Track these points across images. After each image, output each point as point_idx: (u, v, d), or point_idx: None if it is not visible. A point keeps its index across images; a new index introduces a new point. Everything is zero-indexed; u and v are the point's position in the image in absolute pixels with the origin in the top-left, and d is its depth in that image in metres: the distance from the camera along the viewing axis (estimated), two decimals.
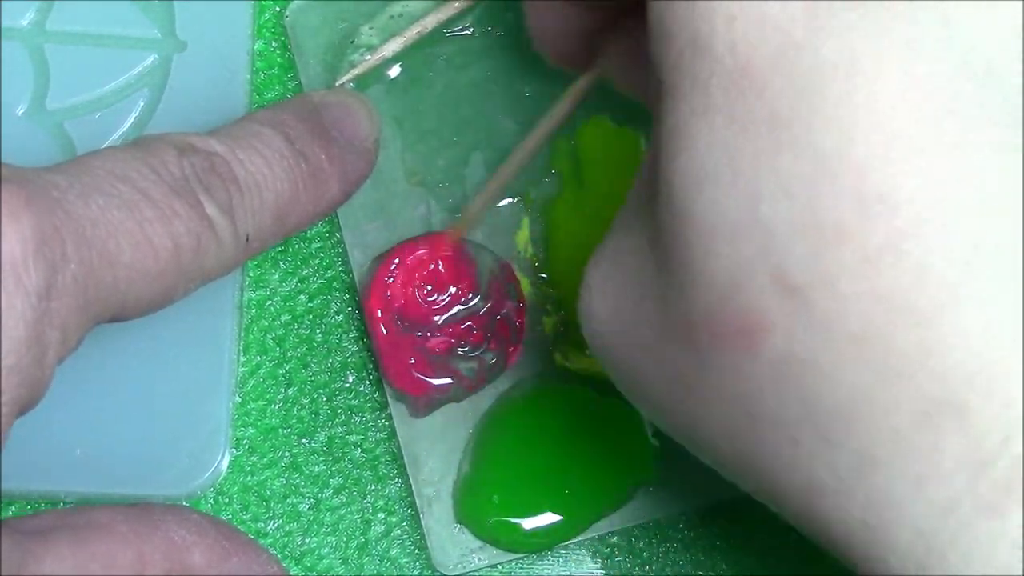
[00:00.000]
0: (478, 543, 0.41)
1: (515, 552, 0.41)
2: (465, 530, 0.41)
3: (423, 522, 0.41)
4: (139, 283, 0.31)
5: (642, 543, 0.42)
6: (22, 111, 0.41)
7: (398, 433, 0.41)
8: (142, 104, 0.42)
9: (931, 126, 0.24)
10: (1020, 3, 0.24)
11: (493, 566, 0.41)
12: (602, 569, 0.42)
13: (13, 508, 0.41)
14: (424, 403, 0.41)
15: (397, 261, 0.40)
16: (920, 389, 0.24)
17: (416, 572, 0.41)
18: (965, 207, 0.24)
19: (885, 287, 0.24)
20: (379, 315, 0.40)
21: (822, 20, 0.24)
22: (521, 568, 0.42)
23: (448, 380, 0.40)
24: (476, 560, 0.41)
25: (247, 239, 0.34)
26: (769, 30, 0.24)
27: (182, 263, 0.32)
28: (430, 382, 0.40)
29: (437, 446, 0.41)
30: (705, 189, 0.25)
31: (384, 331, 0.40)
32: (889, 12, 0.24)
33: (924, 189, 0.24)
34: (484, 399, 0.41)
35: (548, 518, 0.41)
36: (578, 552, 0.42)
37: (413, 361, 0.40)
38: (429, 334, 0.40)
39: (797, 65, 0.24)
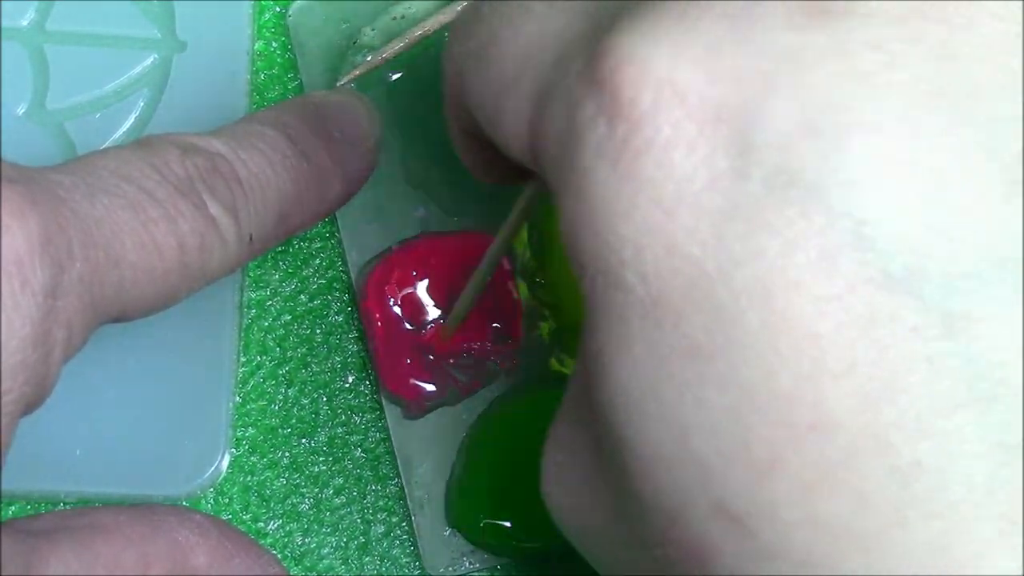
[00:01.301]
0: (470, 546, 0.41)
1: (505, 556, 0.41)
2: (457, 533, 0.41)
3: (414, 524, 0.41)
4: (144, 282, 0.31)
5: None
6: (22, 111, 0.41)
7: (392, 435, 0.41)
8: (142, 104, 0.42)
9: (854, 345, 0.23)
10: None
11: (485, 569, 0.41)
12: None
13: (13, 508, 0.41)
14: (418, 406, 0.41)
15: (393, 265, 0.40)
16: None
17: (417, 572, 0.42)
18: (899, 429, 0.23)
19: (825, 514, 0.23)
20: (374, 318, 0.40)
21: (730, 247, 0.23)
22: (516, 571, 0.42)
23: (443, 384, 0.40)
24: (467, 563, 0.41)
25: (250, 239, 0.34)
26: (679, 260, 0.23)
27: (187, 263, 0.32)
28: (424, 386, 0.40)
29: (431, 449, 0.41)
30: (633, 421, 0.24)
31: (379, 334, 0.40)
32: (798, 227, 0.23)
33: (856, 413, 0.23)
34: (479, 402, 0.41)
35: (539, 523, 0.40)
36: (576, 553, 0.42)
37: (408, 363, 0.40)
38: (424, 337, 0.40)
39: (711, 296, 0.23)
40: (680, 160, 0.23)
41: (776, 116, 0.23)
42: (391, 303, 0.40)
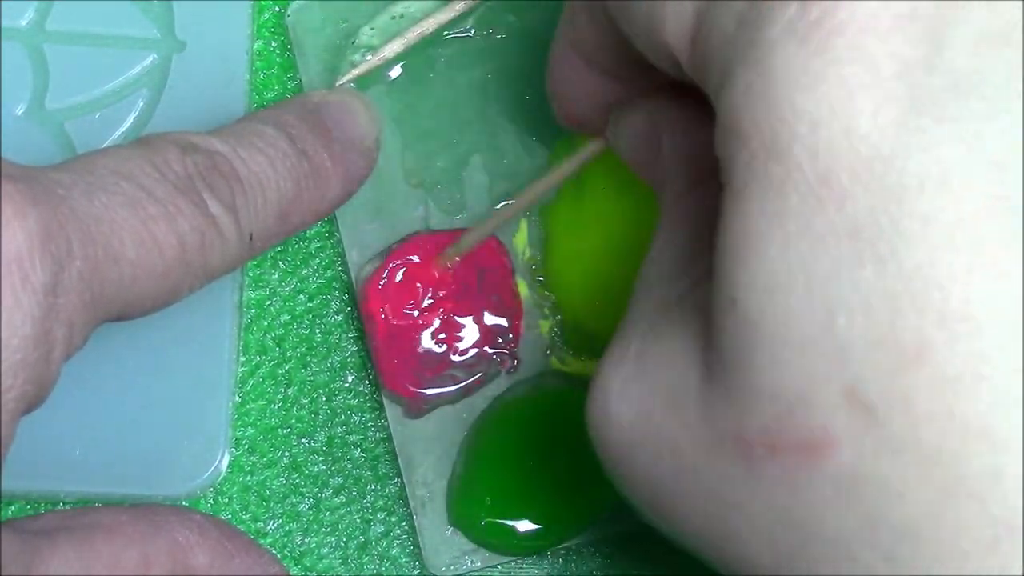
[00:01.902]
0: (472, 545, 0.41)
1: (508, 554, 0.41)
2: (459, 532, 0.41)
3: (416, 523, 0.41)
4: (144, 280, 0.31)
5: (641, 544, 0.42)
6: (22, 111, 0.41)
7: (393, 434, 0.41)
8: (142, 104, 0.42)
9: (1018, 249, 0.23)
10: None
11: (487, 568, 0.41)
12: (601, 569, 0.42)
13: (13, 508, 0.41)
14: (419, 405, 0.41)
15: (393, 264, 0.40)
16: (990, 513, 0.24)
17: (416, 572, 0.42)
18: None
19: (962, 409, 0.23)
20: (374, 317, 0.40)
21: (912, 134, 0.24)
22: (519, 569, 0.42)
23: (443, 382, 0.40)
24: (468, 562, 0.41)
25: (251, 237, 0.34)
26: (856, 140, 0.24)
27: (187, 260, 0.32)
28: (425, 384, 0.40)
29: (432, 447, 0.41)
30: (776, 298, 0.24)
31: (379, 333, 0.40)
32: (979, 128, 0.23)
33: (1008, 313, 0.23)
34: (480, 401, 0.41)
35: (541, 521, 0.41)
36: (578, 552, 0.42)
37: (409, 362, 0.40)
38: (425, 336, 0.40)
39: (883, 178, 0.23)
40: (873, 46, 0.24)
41: (970, 22, 0.24)
42: (390, 303, 0.40)
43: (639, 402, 0.28)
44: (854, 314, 0.24)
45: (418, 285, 0.40)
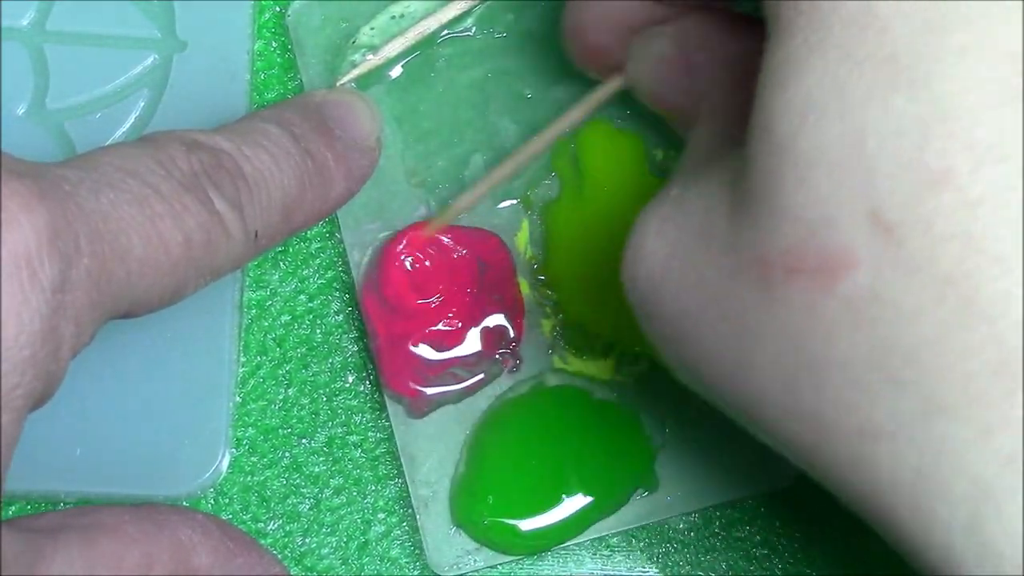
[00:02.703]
0: (474, 544, 0.41)
1: (510, 554, 0.41)
2: (462, 531, 0.41)
3: (419, 522, 0.41)
4: (151, 277, 0.31)
5: (642, 543, 0.42)
6: (22, 111, 0.41)
7: (395, 433, 0.41)
8: (142, 104, 0.42)
9: None
10: None
11: (490, 567, 0.41)
12: (602, 569, 0.42)
13: (13, 508, 0.41)
14: (421, 404, 0.41)
15: (391, 261, 0.40)
16: (1000, 337, 0.24)
17: (416, 572, 0.42)
18: None
19: (980, 233, 0.24)
20: (375, 317, 0.40)
21: None
22: (521, 568, 0.42)
23: (445, 382, 0.40)
24: (472, 561, 0.41)
25: (255, 235, 0.34)
26: None
27: (193, 257, 0.32)
28: (427, 384, 0.40)
29: (434, 446, 0.41)
30: (810, 120, 0.25)
31: (380, 332, 0.40)
32: None
33: None
34: (482, 400, 0.41)
35: (543, 520, 0.41)
36: (578, 552, 0.42)
37: (410, 361, 0.40)
38: (426, 335, 0.40)
39: (925, 11, 0.25)
40: None
41: None
42: (390, 302, 0.40)
43: (673, 237, 0.29)
44: (884, 137, 0.25)
45: (417, 284, 0.40)
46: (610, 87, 0.37)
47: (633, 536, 0.42)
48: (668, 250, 0.30)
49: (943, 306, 0.25)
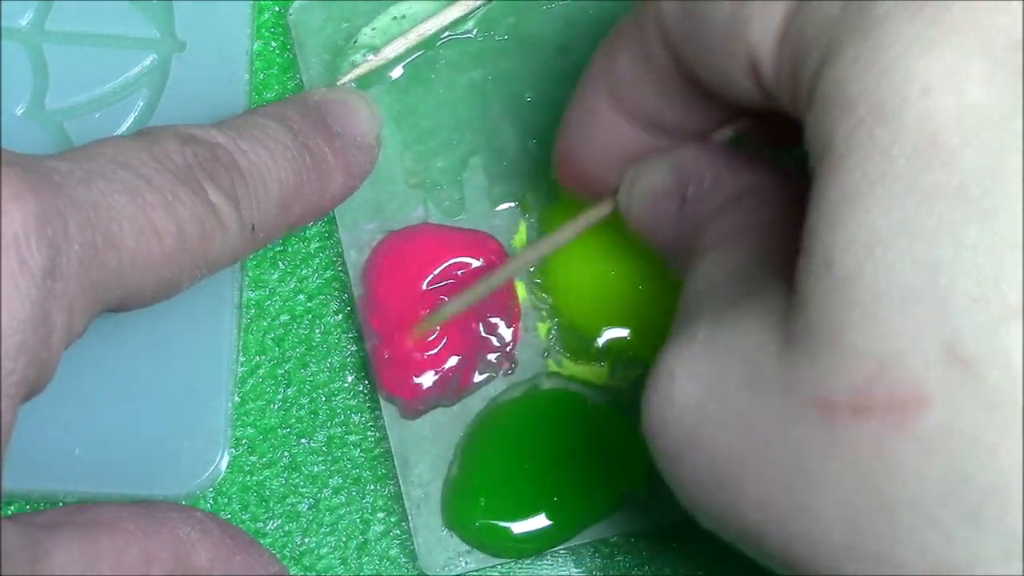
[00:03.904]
0: (466, 546, 0.41)
1: (501, 557, 0.41)
2: (453, 533, 0.41)
3: (411, 524, 0.41)
4: (144, 268, 0.31)
5: (642, 543, 0.42)
6: (21, 111, 0.41)
7: (389, 435, 0.41)
8: (141, 104, 0.42)
9: None
10: None
11: (480, 569, 0.41)
12: (601, 570, 0.42)
13: (12, 508, 0.41)
14: (415, 406, 0.41)
15: (387, 264, 0.40)
16: None
17: (415, 572, 0.42)
18: None
19: None
20: (371, 318, 0.40)
21: (1019, 104, 0.24)
22: (520, 568, 0.42)
23: (440, 384, 0.40)
24: (463, 563, 0.41)
25: (253, 228, 0.34)
26: (967, 104, 0.24)
27: (187, 249, 0.32)
28: (421, 386, 0.40)
29: (428, 448, 0.41)
30: (876, 256, 0.25)
31: (376, 334, 0.40)
32: None
33: None
34: (476, 402, 0.41)
35: (535, 523, 0.40)
36: (578, 552, 0.42)
37: (405, 363, 0.40)
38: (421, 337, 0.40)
39: (991, 141, 0.24)
40: (984, 19, 0.25)
41: None
42: (386, 304, 0.40)
43: (710, 379, 0.28)
44: (956, 270, 0.24)
45: (415, 279, 0.40)
46: (599, 211, 0.36)
47: (633, 536, 0.42)
48: (704, 393, 0.28)
49: None
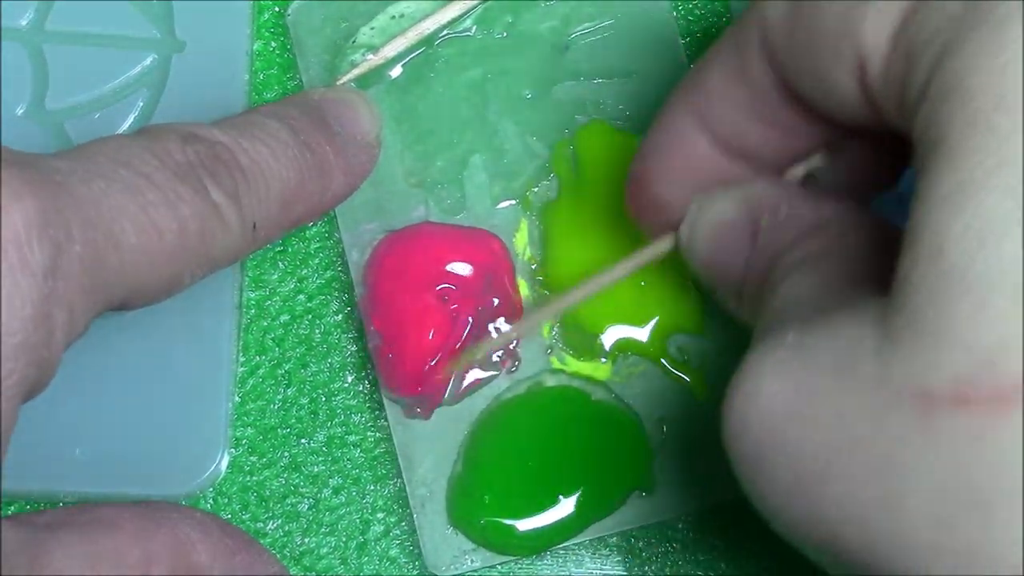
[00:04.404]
0: (471, 544, 0.41)
1: (507, 554, 0.41)
2: (459, 531, 0.41)
3: (416, 522, 0.41)
4: (145, 267, 0.31)
5: (642, 543, 0.42)
6: (22, 111, 0.41)
7: (393, 433, 0.41)
8: (141, 104, 0.42)
9: None
10: None
11: (487, 567, 0.41)
12: (601, 569, 0.42)
13: (13, 508, 0.41)
14: (419, 404, 0.41)
15: (389, 264, 0.40)
16: None
17: (415, 572, 0.42)
18: None
19: None
20: (372, 318, 0.40)
21: None
22: (520, 568, 0.42)
23: (445, 382, 0.40)
24: (469, 561, 0.41)
25: (254, 226, 0.34)
26: None
27: (188, 247, 0.32)
28: (426, 384, 0.40)
29: (432, 447, 0.41)
30: (989, 244, 0.25)
31: (378, 334, 0.40)
32: None
33: None
34: (479, 400, 0.41)
35: (540, 521, 0.40)
36: (577, 552, 0.42)
37: (409, 362, 0.40)
38: (425, 335, 0.40)
39: None
40: None
41: None
42: (389, 304, 0.40)
43: (800, 376, 0.28)
44: None
45: (417, 276, 0.40)
46: (659, 247, 0.36)
47: (633, 536, 0.42)
48: (791, 392, 0.28)
49: None
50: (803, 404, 0.28)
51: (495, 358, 0.41)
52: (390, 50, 0.41)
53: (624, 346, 0.41)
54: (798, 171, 0.34)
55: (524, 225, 0.42)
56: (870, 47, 0.28)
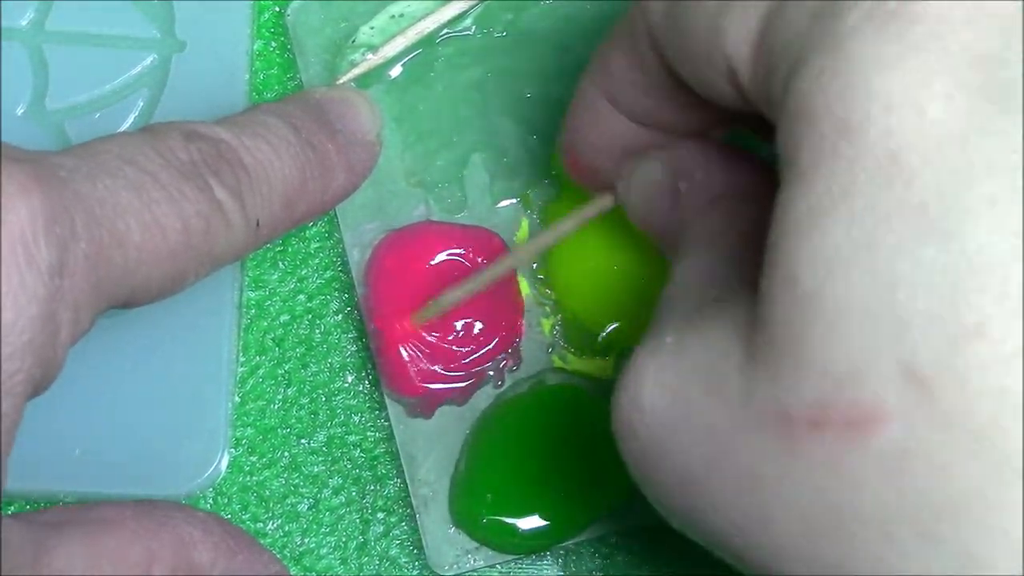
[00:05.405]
0: (474, 544, 0.41)
1: (509, 553, 0.41)
2: (461, 531, 0.41)
3: (419, 522, 0.41)
4: (150, 265, 0.31)
5: (641, 543, 0.42)
6: (22, 111, 0.41)
7: (395, 433, 0.41)
8: (142, 104, 0.42)
9: None
10: None
11: (490, 566, 0.41)
12: (601, 569, 0.42)
13: (13, 508, 0.41)
14: (421, 404, 0.41)
15: (389, 263, 0.40)
16: None
17: (415, 572, 0.42)
18: None
19: (1015, 387, 0.24)
20: (375, 316, 0.40)
21: (982, 120, 0.24)
22: (521, 568, 0.42)
23: (445, 381, 0.40)
24: (472, 561, 0.41)
25: (257, 224, 0.34)
26: (928, 122, 0.24)
27: (192, 244, 0.32)
28: (428, 384, 0.40)
29: (434, 446, 0.41)
30: (837, 273, 0.25)
31: (382, 333, 0.40)
32: None
33: None
34: (481, 399, 0.41)
35: (542, 519, 0.41)
36: (577, 552, 0.42)
37: (410, 362, 0.40)
38: (426, 335, 0.40)
39: (952, 160, 0.24)
40: (948, 36, 0.25)
41: None
42: (391, 303, 0.40)
43: (676, 386, 0.29)
44: (915, 290, 0.24)
45: (418, 276, 0.40)
46: (601, 203, 0.37)
47: (632, 536, 0.42)
48: (670, 400, 0.29)
49: (978, 461, 0.24)
50: (679, 414, 0.28)
51: (497, 356, 0.41)
52: (390, 50, 0.41)
53: (625, 344, 0.41)
54: (717, 132, 0.34)
55: (525, 224, 0.42)
56: (735, 55, 0.28)
